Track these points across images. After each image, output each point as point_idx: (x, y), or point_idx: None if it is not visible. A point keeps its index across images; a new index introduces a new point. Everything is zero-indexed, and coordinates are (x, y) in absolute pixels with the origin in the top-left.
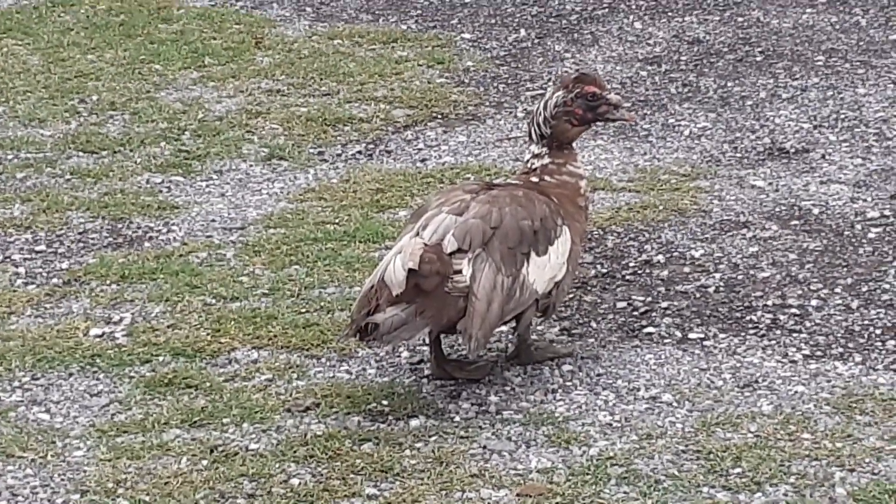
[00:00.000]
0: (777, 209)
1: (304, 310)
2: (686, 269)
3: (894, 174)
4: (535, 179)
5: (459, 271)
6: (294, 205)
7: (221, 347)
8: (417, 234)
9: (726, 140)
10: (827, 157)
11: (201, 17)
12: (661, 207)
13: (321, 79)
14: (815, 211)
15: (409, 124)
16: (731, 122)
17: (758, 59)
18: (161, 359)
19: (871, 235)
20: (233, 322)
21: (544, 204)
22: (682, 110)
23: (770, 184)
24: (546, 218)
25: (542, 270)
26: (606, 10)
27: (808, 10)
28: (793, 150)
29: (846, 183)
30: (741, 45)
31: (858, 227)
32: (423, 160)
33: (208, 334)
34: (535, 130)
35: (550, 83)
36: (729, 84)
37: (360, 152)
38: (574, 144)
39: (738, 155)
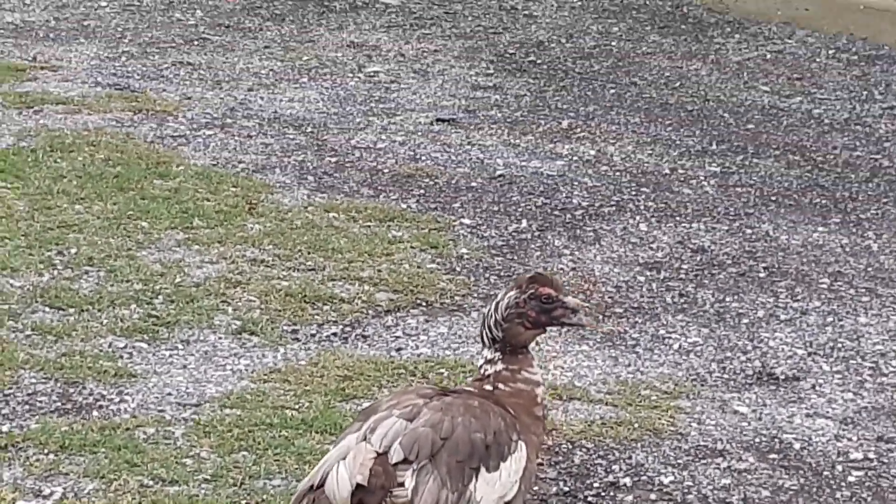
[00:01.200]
0: (757, 439)
1: (244, 501)
2: (652, 496)
3: (884, 414)
4: (488, 387)
5: (402, 484)
6: (256, 384)
7: None
8: (365, 437)
9: (715, 359)
10: (817, 388)
11: (199, 175)
12: (636, 425)
13: (309, 252)
14: (797, 446)
15: (392, 309)
16: (723, 340)
17: (761, 274)
18: None
19: (850, 479)
20: None
21: (500, 417)
22: (674, 322)
23: (754, 411)
24: (500, 432)
25: (492, 488)
26: (614, 207)
27: (820, 229)
28: (783, 377)
29: (833, 418)
30: (745, 259)
31: (839, 467)
32: (398, 349)
33: None
34: (486, 333)
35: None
36: (727, 299)
37: (335, 334)
38: (529, 348)
39: (726, 376)
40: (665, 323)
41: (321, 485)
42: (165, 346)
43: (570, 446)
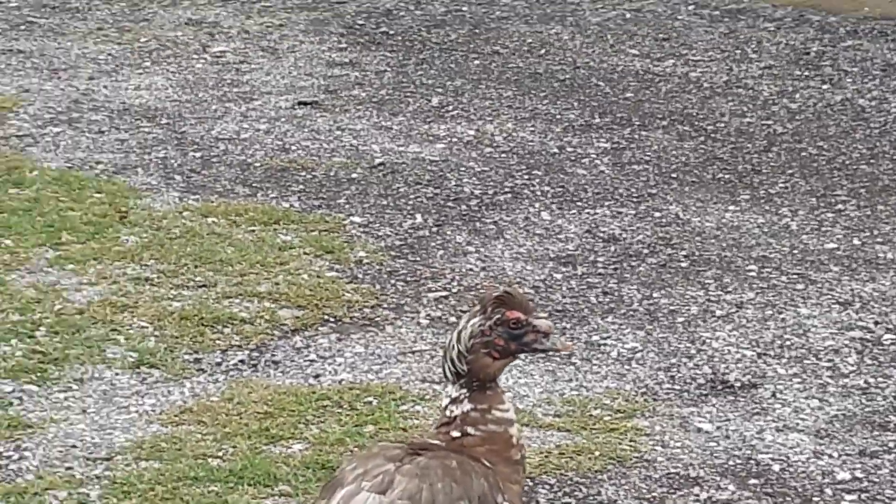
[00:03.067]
0: (731, 462)
1: None
2: None
3: (858, 423)
4: (456, 434)
5: None
6: (168, 429)
7: None
8: None
9: (661, 366)
10: (778, 395)
11: (57, 181)
12: (597, 453)
13: (195, 266)
14: (776, 468)
15: (298, 328)
16: (662, 344)
17: (683, 264)
18: None
19: None
20: None
21: (482, 477)
22: (605, 325)
23: (718, 428)
24: (485, 496)
25: None
26: (509, 195)
27: (731, 208)
28: (738, 385)
29: (806, 432)
30: (662, 247)
31: (828, 491)
32: (316, 375)
33: None
34: (449, 368)
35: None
36: (655, 295)
37: (242, 361)
38: (498, 381)
39: (677, 387)
40: (595, 327)
41: None
42: (58, 388)
43: (532, 483)
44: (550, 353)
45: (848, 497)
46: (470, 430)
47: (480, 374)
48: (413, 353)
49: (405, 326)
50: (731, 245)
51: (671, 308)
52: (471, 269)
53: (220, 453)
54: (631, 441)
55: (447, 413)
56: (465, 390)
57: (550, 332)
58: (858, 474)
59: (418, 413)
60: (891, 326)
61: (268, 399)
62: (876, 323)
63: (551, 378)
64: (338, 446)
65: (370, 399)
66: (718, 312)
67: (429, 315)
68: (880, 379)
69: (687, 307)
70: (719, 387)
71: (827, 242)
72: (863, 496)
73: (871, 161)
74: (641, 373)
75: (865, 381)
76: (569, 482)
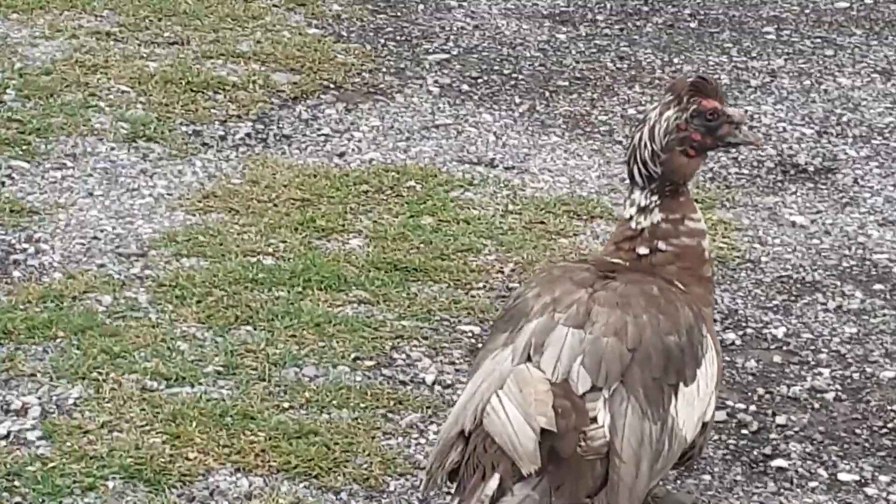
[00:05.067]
0: (845, 264)
1: (284, 403)
2: (777, 359)
3: None
4: (643, 251)
5: (594, 419)
6: (197, 217)
7: (192, 468)
8: (529, 357)
9: None
10: (861, 182)
11: None
12: None
13: (158, 19)
14: None
15: (298, 96)
16: None
17: (691, 24)
18: (111, 485)
19: None
20: (194, 422)
21: (686, 305)
22: (636, 96)
23: (813, 221)
24: (692, 328)
25: (692, 408)
26: None
27: None
28: (812, 169)
29: None
30: (663, 5)
31: None
32: (339, 154)
33: (165, 442)
34: (639, 171)
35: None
36: (675, 60)
37: (248, 135)
38: (689, 186)
39: (746, 172)
40: (626, 98)
41: (492, 439)
42: (50, 164)
43: None
44: (743, 146)
45: None
46: (661, 244)
47: (676, 175)
48: (437, 127)
49: (416, 95)
50: (736, 2)
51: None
52: (463, 29)
53: (270, 248)
54: (725, 238)
55: (633, 225)
56: (655, 197)
57: (743, 122)
58: None
59: (473, 202)
60: None
61: (297, 183)
62: None
63: (604, 163)
64: (401, 241)
65: (412, 184)
66: (753, 82)
67: (437, 82)
68: None
69: (715, 75)
70: (792, 171)
71: (837, 1)
72: None
73: None
74: None
75: None
76: None
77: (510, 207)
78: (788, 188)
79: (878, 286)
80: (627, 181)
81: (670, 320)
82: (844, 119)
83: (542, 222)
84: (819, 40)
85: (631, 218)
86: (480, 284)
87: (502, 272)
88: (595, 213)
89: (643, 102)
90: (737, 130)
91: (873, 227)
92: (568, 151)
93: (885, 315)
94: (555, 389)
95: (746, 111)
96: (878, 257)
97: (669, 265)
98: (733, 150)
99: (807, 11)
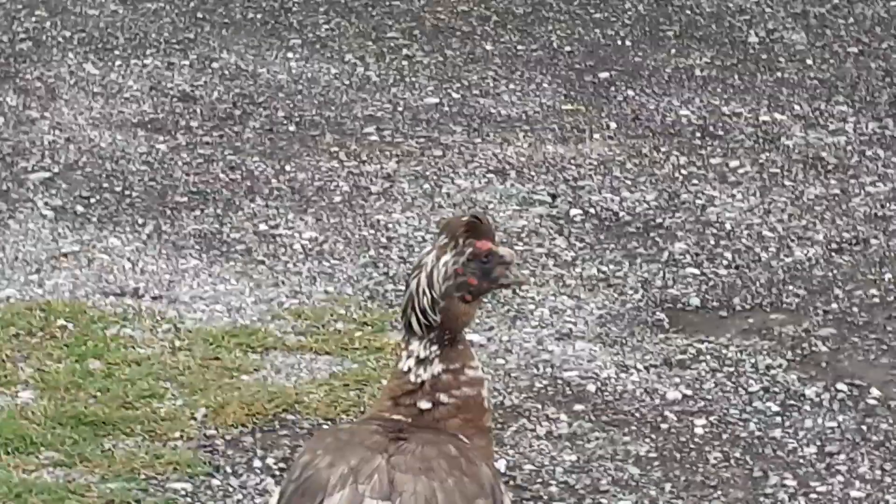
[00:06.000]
0: (538, 384)
1: None
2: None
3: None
4: (425, 405)
5: None
6: None
7: None
8: None
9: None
10: (519, 292)
11: None
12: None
13: None
14: (590, 388)
15: None
16: (346, 227)
17: (291, 128)
18: None
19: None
20: None
21: (483, 463)
22: (260, 209)
23: (490, 339)
24: (494, 488)
25: None
26: (31, 43)
27: (291, 55)
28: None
29: (581, 337)
30: (251, 108)
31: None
32: None
33: None
34: (418, 320)
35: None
36: (287, 168)
37: None
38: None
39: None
40: (244, 225)
41: None
42: None
43: None
44: (513, 287)
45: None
46: (443, 397)
47: (456, 322)
48: (65, 255)
49: (30, 221)
50: (325, 103)
51: (317, 185)
52: (55, 142)
53: None
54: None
55: (412, 378)
56: (435, 347)
57: (514, 262)
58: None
59: (135, 339)
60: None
61: None
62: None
63: (252, 283)
64: (76, 391)
65: (63, 322)
66: (374, 189)
67: (48, 204)
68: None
69: (333, 181)
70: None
71: (426, 97)
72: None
73: None
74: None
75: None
76: None
77: (177, 343)
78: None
79: (578, 406)
80: (403, 331)
81: (475, 482)
82: None
83: (216, 358)
84: (423, 139)
85: (409, 370)
86: (176, 434)
87: (195, 419)
88: (268, 345)
89: (271, 217)
90: (507, 271)
91: (551, 342)
92: (213, 275)
93: (598, 439)
94: None
95: (515, 249)
96: (569, 375)
97: (452, 418)
98: (504, 290)
99: (400, 109)
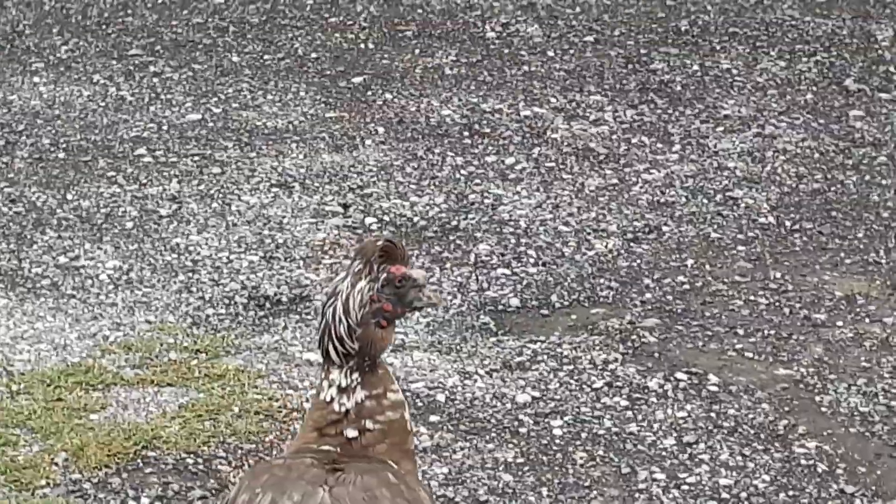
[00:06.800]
0: None
1: None
2: None
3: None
4: (352, 433)
5: None
6: None
7: None
8: None
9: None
10: None
11: None
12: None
13: None
14: (440, 397)
15: None
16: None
17: (61, 155)
18: None
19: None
20: None
21: (419, 487)
22: (64, 242)
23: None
24: None
25: None
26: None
27: (37, 80)
28: (286, 300)
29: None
30: (15, 135)
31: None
32: None
33: None
34: (335, 348)
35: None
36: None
37: None
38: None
39: (224, 311)
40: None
41: None
42: None
43: None
44: (427, 308)
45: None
46: (369, 423)
47: (374, 348)
48: None
49: None
50: (87, 126)
51: (104, 212)
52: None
53: None
54: (254, 388)
55: (335, 407)
56: (356, 374)
57: (426, 284)
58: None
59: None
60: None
61: None
62: None
63: (69, 318)
64: None
65: None
66: (163, 212)
67: None
68: None
69: (122, 208)
70: (267, 305)
71: (189, 113)
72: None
73: None
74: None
75: None
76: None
77: (13, 388)
78: (277, 323)
79: (434, 418)
80: (321, 360)
81: None
82: (281, 245)
83: (59, 399)
84: (198, 157)
85: (332, 400)
86: (42, 482)
87: (56, 464)
88: (107, 381)
89: (68, 248)
90: (421, 293)
91: (388, 355)
92: (27, 314)
93: (463, 449)
94: None
95: (426, 269)
96: (416, 386)
97: (379, 444)
98: (418, 313)
99: (165, 128)
